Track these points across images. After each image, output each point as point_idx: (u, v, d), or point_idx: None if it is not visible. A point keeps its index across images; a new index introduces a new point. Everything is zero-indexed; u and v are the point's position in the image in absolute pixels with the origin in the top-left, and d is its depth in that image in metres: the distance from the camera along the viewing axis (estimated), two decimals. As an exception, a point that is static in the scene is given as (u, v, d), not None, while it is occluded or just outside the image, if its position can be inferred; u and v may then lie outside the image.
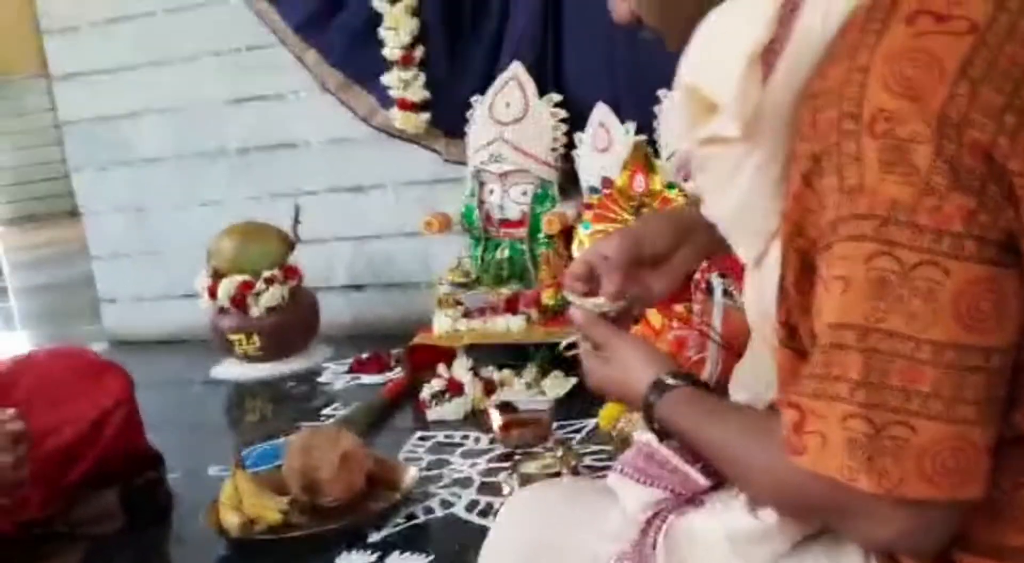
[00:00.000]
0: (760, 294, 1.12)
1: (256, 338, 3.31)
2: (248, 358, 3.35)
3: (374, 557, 1.91)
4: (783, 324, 1.05)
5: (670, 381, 1.16)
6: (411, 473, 2.17)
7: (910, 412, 0.89)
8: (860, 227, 0.91)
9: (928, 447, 0.89)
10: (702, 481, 1.14)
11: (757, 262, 1.12)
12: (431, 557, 1.89)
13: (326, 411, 2.87)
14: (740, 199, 1.09)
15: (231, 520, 2.03)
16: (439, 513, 2.08)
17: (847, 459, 0.91)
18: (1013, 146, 0.88)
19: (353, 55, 3.41)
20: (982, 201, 0.87)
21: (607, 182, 2.71)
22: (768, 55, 1.04)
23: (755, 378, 1.23)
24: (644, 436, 1.21)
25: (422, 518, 2.07)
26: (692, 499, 1.14)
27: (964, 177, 0.87)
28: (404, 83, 3.28)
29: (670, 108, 2.81)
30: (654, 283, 1.34)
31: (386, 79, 3.30)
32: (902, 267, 0.89)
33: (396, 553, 1.92)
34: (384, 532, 2.01)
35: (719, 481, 1.14)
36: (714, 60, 1.06)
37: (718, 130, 1.05)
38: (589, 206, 2.77)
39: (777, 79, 1.03)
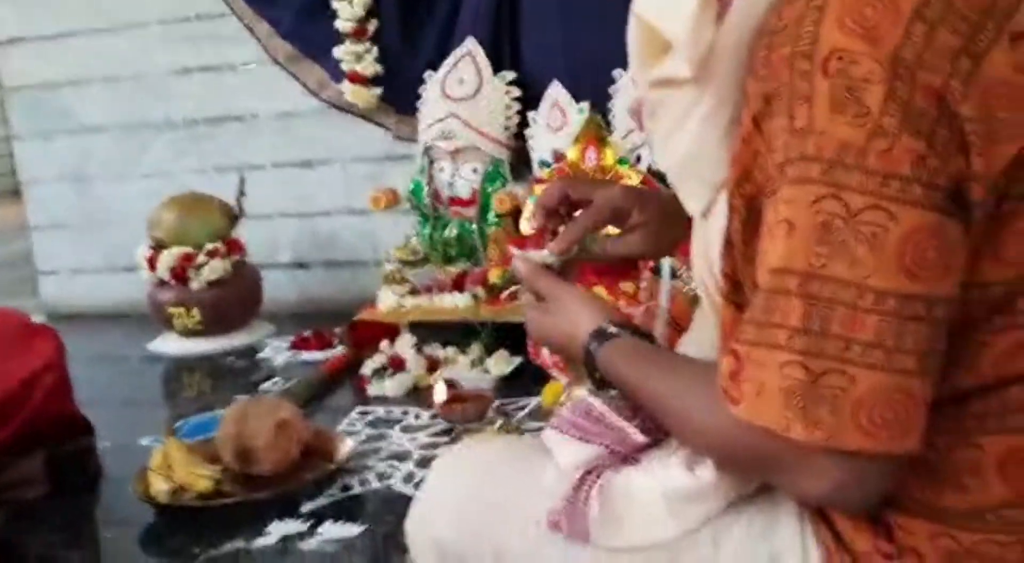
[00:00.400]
0: (706, 247, 1.09)
1: (196, 312, 3.23)
2: (187, 332, 3.27)
3: (306, 526, 1.87)
4: (727, 277, 1.02)
5: (612, 330, 1.13)
6: (348, 444, 2.13)
7: (849, 361, 0.87)
8: (808, 169, 0.88)
9: (866, 397, 0.87)
10: (639, 438, 1.12)
11: (704, 214, 1.09)
12: (364, 527, 1.84)
13: (265, 386, 2.81)
14: (688, 146, 1.05)
15: (160, 487, 1.97)
16: (375, 485, 2.04)
17: (782, 408, 0.89)
18: (966, 90, 0.86)
19: (304, 27, 3.34)
20: (932, 145, 0.85)
21: (558, 156, 2.67)
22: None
23: (698, 349, 1.22)
24: (584, 393, 1.18)
25: (357, 489, 2.02)
26: (628, 457, 1.11)
27: (915, 120, 0.85)
28: (356, 56, 3.22)
29: (625, 88, 2.78)
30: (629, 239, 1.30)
31: (338, 52, 3.24)
32: (848, 211, 0.87)
33: (329, 522, 1.87)
34: (318, 502, 1.96)
35: (656, 439, 1.11)
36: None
37: (670, 70, 1.03)
38: (539, 180, 2.73)
39: (732, 18, 0.99)
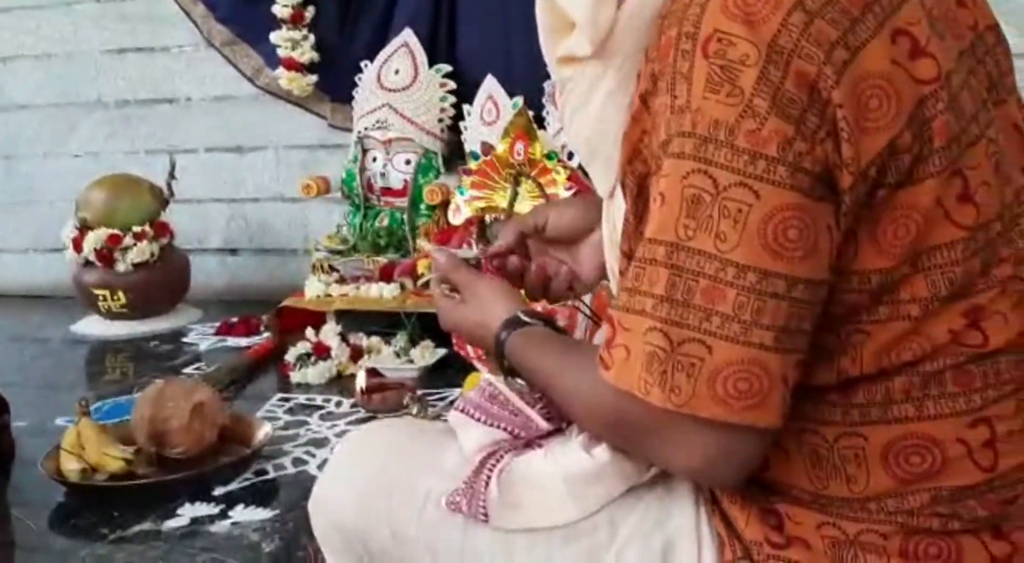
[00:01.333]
0: (612, 229, 1.11)
1: (121, 294, 3.19)
2: (112, 315, 3.24)
3: (217, 509, 1.86)
4: (625, 255, 1.04)
5: (524, 318, 1.14)
6: (265, 429, 2.11)
7: (708, 332, 0.90)
8: (683, 145, 0.91)
9: (722, 368, 0.89)
10: (542, 425, 1.13)
11: (611, 195, 1.11)
12: (276, 511, 1.83)
13: (188, 371, 2.79)
14: (593, 124, 1.07)
15: (70, 466, 1.95)
16: (290, 470, 2.03)
17: (644, 373, 0.92)
18: (839, 79, 0.88)
19: (242, 11, 3.33)
20: (800, 130, 0.88)
21: (486, 148, 2.68)
22: None
23: None
24: (490, 377, 1.19)
25: (272, 474, 2.01)
26: (531, 442, 1.12)
27: (785, 104, 0.88)
28: (292, 43, 3.21)
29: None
30: (580, 264, 1.31)
31: (274, 38, 3.22)
32: (716, 187, 0.89)
33: (241, 506, 1.86)
34: (231, 486, 1.95)
35: (559, 426, 1.13)
36: None
37: (572, 48, 1.05)
38: (468, 171, 2.73)
39: (632, 1, 1.02)
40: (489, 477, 1.07)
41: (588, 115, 1.07)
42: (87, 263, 3.21)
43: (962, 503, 0.97)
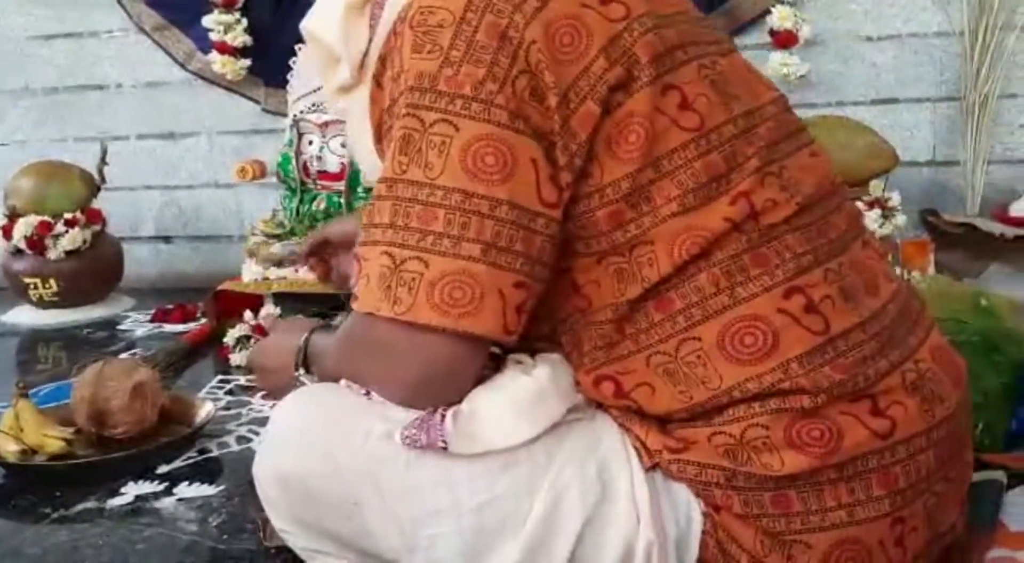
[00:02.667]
0: None
1: (53, 283, 3.14)
2: (43, 304, 3.18)
3: (161, 487, 1.83)
4: None
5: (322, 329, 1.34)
6: (207, 408, 2.09)
7: (424, 249, 1.04)
8: (399, 100, 1.08)
9: (437, 279, 1.03)
10: None
11: None
12: (222, 488, 1.82)
13: (124, 356, 2.74)
14: (369, 141, 1.20)
15: (9, 448, 1.91)
16: (235, 448, 2.02)
17: (377, 292, 1.06)
18: (529, 22, 1.05)
19: (172, -5, 3.29)
20: (491, 71, 1.04)
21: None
22: (377, 8, 1.22)
23: None
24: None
25: (216, 452, 2.00)
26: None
27: (477, 52, 1.05)
28: (225, 26, 3.19)
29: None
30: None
31: (206, 21, 3.19)
32: (423, 125, 1.05)
33: (185, 484, 1.84)
34: (175, 464, 1.93)
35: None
36: (326, 9, 1.26)
37: (340, 78, 1.25)
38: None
39: (384, 18, 1.19)
40: (444, 414, 1.10)
41: (367, 137, 1.21)
42: (17, 251, 3.14)
43: (816, 371, 1.06)
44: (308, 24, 1.29)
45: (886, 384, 1.10)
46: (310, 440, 1.15)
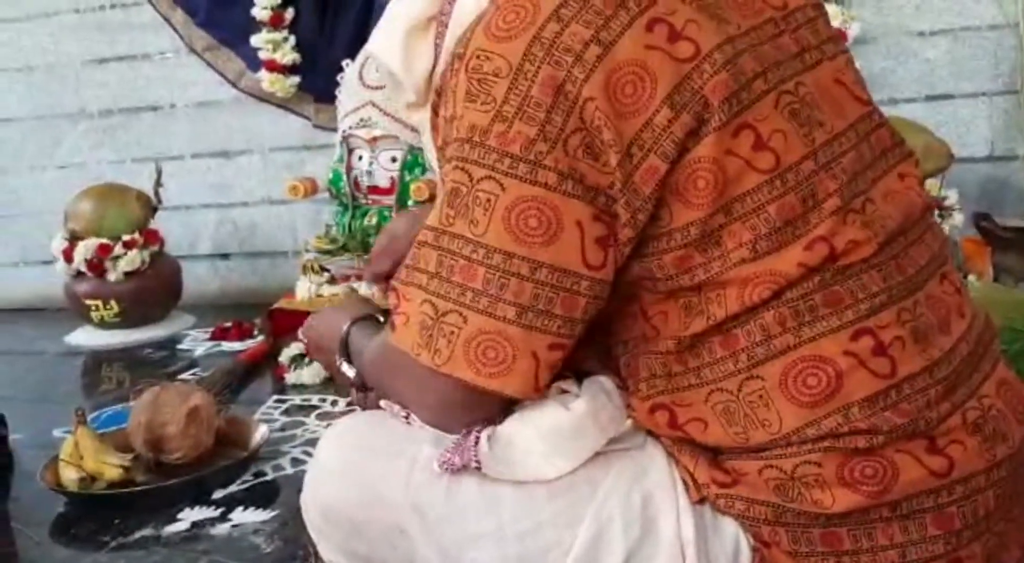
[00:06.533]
0: None
1: (113, 304, 3.19)
2: (105, 325, 3.24)
3: (217, 513, 1.86)
4: None
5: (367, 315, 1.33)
6: (261, 431, 2.12)
7: (464, 304, 1.03)
8: (452, 148, 1.06)
9: (473, 336, 1.03)
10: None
11: None
12: (276, 512, 1.84)
13: (183, 377, 2.79)
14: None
15: (69, 476, 1.95)
16: (289, 471, 2.04)
17: (417, 337, 1.06)
18: (589, 75, 1.00)
19: (221, 15, 3.34)
20: (543, 131, 1.01)
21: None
22: (441, 27, 1.19)
23: None
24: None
25: (271, 476, 2.02)
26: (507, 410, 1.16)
27: (530, 109, 1.01)
28: (273, 45, 3.22)
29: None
30: None
31: (255, 40, 3.23)
32: (471, 180, 1.03)
33: (240, 509, 1.86)
34: (230, 489, 1.96)
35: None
36: (388, 30, 1.24)
37: (407, 97, 1.24)
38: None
39: (447, 43, 1.17)
40: (478, 437, 1.10)
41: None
42: (78, 274, 3.21)
43: (876, 415, 1.03)
44: (371, 47, 1.27)
45: (947, 425, 1.05)
46: (352, 472, 1.16)
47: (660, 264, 1.05)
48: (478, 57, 1.03)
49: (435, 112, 1.15)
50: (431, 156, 1.25)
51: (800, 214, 1.03)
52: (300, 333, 1.47)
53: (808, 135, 1.06)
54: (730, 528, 1.08)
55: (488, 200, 1.02)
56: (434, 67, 1.21)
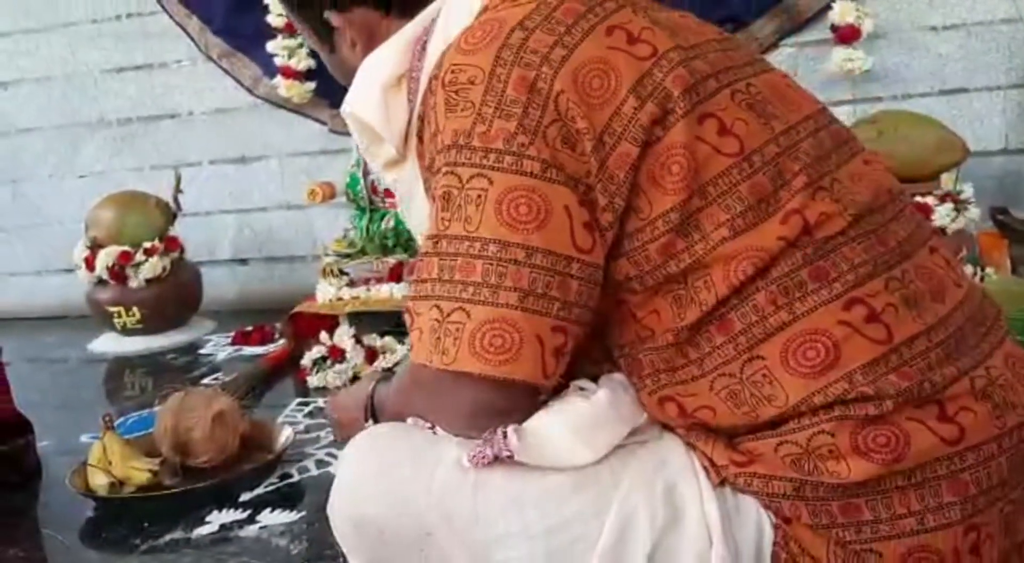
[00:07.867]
0: None
1: (135, 310, 3.23)
2: (127, 331, 3.27)
3: (245, 515, 1.88)
4: None
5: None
6: (286, 434, 2.14)
7: (466, 300, 1.06)
8: (438, 159, 1.11)
9: (478, 328, 1.06)
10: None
11: None
12: (303, 513, 1.86)
13: (206, 382, 2.81)
14: (423, 207, 1.23)
15: (98, 481, 1.97)
16: (314, 472, 2.06)
17: (428, 344, 1.08)
18: (557, 72, 1.07)
19: (236, 22, 3.37)
20: (522, 124, 1.07)
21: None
22: (413, 84, 1.24)
23: None
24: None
25: (296, 477, 2.04)
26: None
27: (507, 107, 1.07)
28: (288, 51, 3.24)
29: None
30: None
31: (270, 47, 3.25)
32: (461, 181, 1.08)
33: (267, 510, 1.88)
34: (257, 491, 1.98)
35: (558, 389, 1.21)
36: (363, 89, 1.27)
37: (386, 154, 1.28)
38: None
39: (419, 102, 1.21)
40: (506, 432, 1.11)
41: (417, 205, 1.26)
42: (100, 281, 3.24)
43: (880, 379, 1.06)
44: (348, 107, 1.29)
45: (954, 390, 1.08)
46: (378, 481, 1.16)
47: (647, 255, 1.09)
48: (452, 71, 1.11)
49: (419, 138, 1.19)
50: (410, 211, 1.30)
51: (771, 192, 1.09)
52: (325, 412, 1.55)
53: (767, 124, 1.13)
54: (752, 508, 1.11)
55: (479, 195, 1.06)
56: (409, 122, 1.25)
